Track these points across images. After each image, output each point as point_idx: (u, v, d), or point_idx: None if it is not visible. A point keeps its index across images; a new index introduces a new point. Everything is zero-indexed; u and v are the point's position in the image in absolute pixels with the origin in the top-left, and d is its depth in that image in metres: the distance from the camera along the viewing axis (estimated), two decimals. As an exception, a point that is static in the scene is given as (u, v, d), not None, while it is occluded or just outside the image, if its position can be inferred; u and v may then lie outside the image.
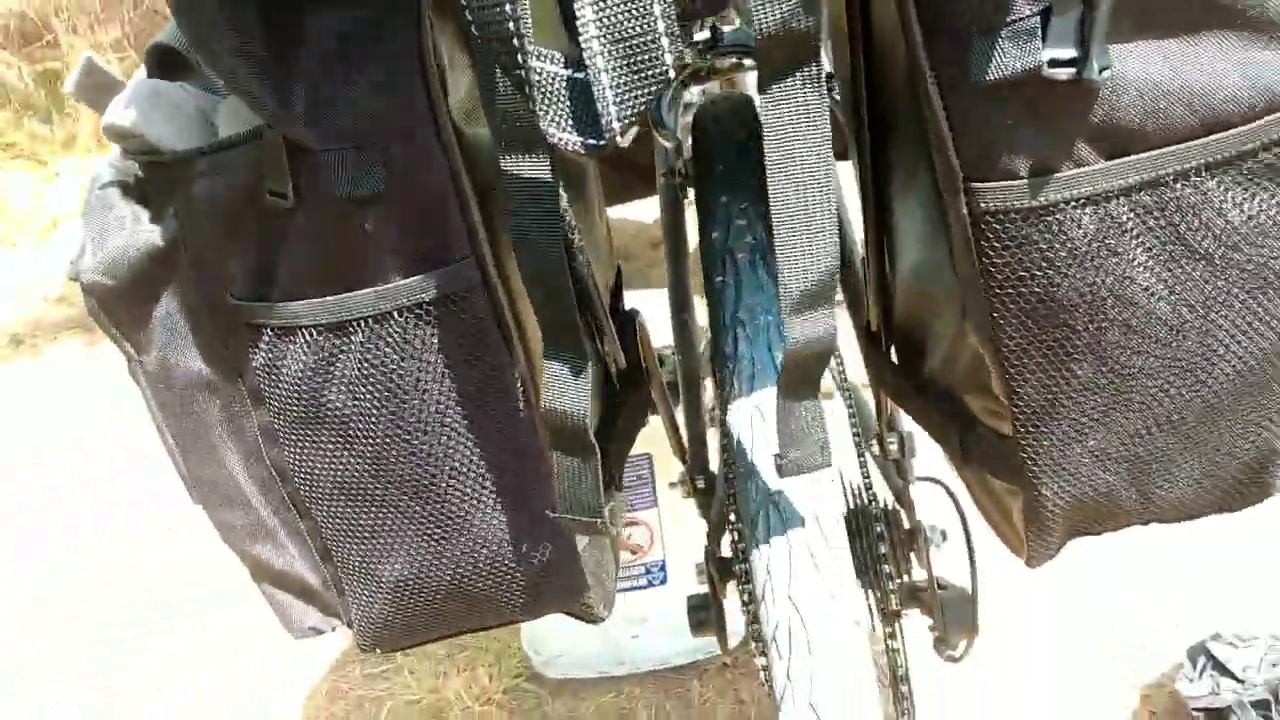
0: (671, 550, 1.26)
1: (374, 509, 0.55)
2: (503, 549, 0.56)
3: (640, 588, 1.30)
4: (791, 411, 0.47)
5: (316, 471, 0.55)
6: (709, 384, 0.86)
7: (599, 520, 0.50)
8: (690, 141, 0.75)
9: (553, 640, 1.37)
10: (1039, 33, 0.41)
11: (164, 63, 0.54)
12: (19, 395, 2.17)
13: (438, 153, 0.46)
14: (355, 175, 0.46)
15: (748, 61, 0.85)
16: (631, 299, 0.73)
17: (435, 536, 0.55)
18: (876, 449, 0.89)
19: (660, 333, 0.76)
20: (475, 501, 0.54)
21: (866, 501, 0.84)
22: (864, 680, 0.47)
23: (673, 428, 0.85)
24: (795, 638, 0.48)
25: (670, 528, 1.25)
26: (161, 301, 0.55)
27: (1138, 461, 0.51)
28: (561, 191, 0.56)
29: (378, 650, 0.63)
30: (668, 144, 0.74)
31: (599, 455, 0.49)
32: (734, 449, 0.55)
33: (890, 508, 0.85)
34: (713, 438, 0.87)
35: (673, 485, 0.97)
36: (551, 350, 0.46)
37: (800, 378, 0.46)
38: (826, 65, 0.71)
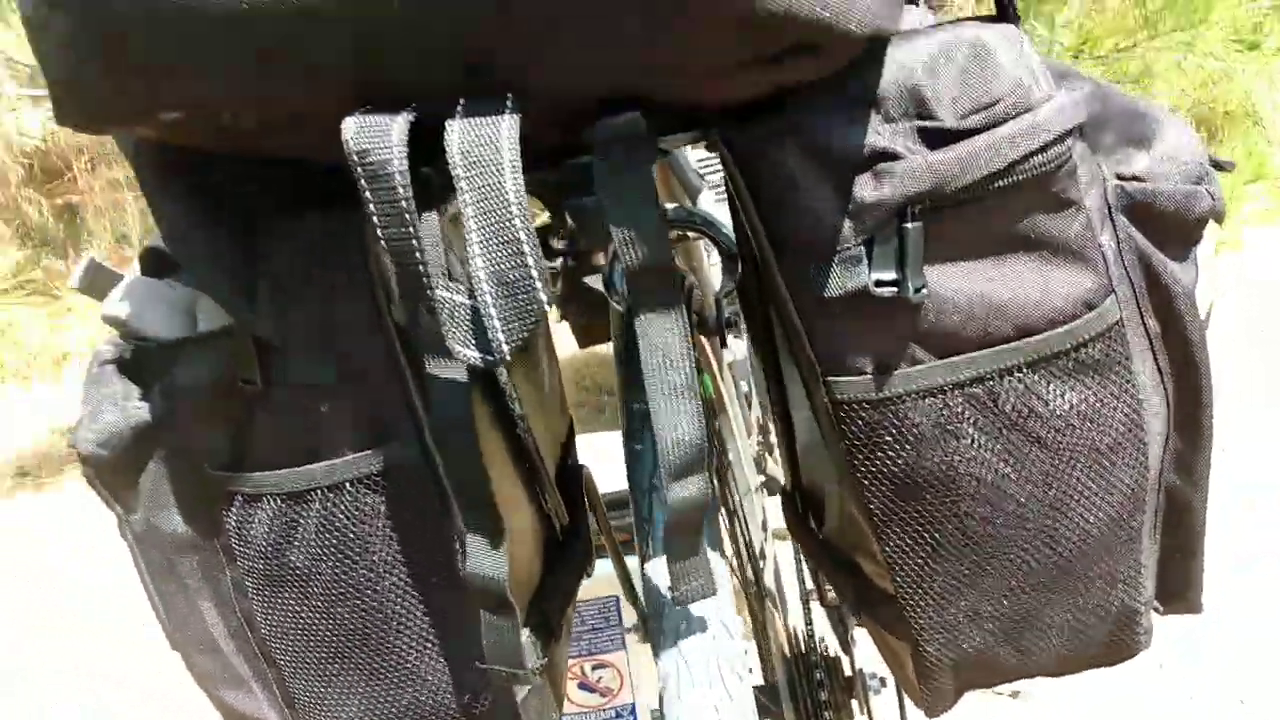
0: (641, 692, 1.29)
1: (331, 660, 0.61)
2: (447, 698, 0.61)
3: (612, 729, 1.32)
4: (678, 555, 0.54)
5: (281, 624, 0.61)
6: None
7: (521, 671, 0.56)
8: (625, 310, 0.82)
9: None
10: (865, 259, 0.49)
11: (155, 263, 0.63)
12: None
13: (382, 351, 0.53)
14: (311, 368, 0.54)
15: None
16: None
17: (385, 685, 0.61)
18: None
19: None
20: (420, 653, 0.60)
21: (807, 649, 0.89)
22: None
23: (625, 577, 0.90)
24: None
25: (640, 670, 1.28)
26: (148, 470, 0.62)
27: (1008, 620, 0.56)
28: (501, 369, 0.64)
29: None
30: (619, 307, 0.82)
31: (518, 611, 0.55)
32: (653, 610, 0.60)
33: (832, 655, 0.90)
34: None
35: (631, 629, 1.01)
36: (472, 521, 0.53)
37: (683, 529, 0.53)
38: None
